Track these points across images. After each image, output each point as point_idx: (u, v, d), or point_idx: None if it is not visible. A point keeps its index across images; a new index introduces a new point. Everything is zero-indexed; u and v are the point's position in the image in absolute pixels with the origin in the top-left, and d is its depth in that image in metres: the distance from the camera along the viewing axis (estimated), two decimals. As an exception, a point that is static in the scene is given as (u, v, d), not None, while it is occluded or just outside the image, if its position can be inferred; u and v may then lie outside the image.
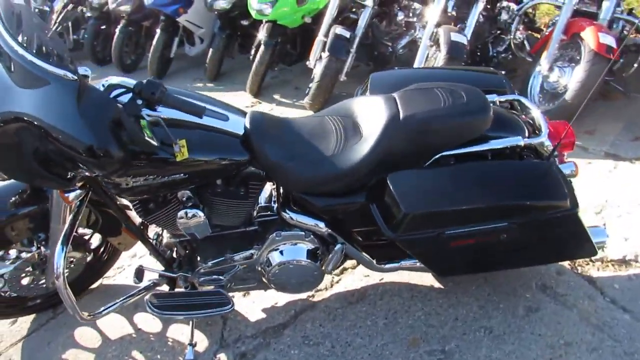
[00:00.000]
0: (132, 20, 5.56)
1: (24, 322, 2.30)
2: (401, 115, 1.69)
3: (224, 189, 1.84)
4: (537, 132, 1.83)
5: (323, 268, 1.92)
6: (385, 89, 2.00)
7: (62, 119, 1.35)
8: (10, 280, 2.02)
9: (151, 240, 2.05)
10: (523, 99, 1.97)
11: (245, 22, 4.93)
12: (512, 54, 3.86)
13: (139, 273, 1.94)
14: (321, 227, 1.83)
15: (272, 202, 1.99)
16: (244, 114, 1.84)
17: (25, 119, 1.35)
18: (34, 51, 1.38)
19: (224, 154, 1.70)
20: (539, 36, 3.82)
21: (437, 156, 1.73)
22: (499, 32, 3.91)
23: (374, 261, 1.96)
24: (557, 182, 1.64)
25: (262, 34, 4.38)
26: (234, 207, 1.87)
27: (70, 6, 1.58)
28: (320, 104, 4.02)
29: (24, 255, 2.04)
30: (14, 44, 1.36)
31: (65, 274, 2.15)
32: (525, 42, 3.65)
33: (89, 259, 2.28)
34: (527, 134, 1.80)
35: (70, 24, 6.50)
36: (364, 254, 1.94)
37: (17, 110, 1.36)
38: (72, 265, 2.20)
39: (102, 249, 2.34)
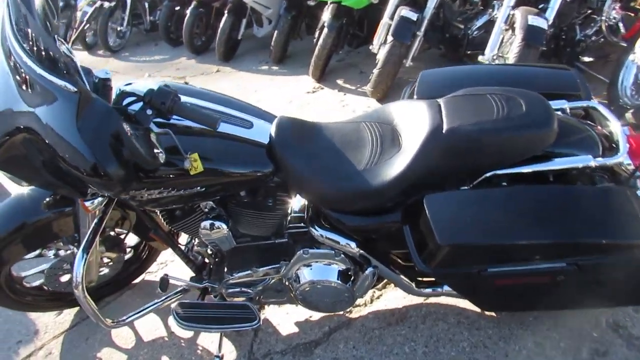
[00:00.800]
0: (203, 2, 5.56)
1: (68, 315, 2.35)
2: (444, 127, 1.45)
3: (250, 200, 1.71)
4: (614, 147, 1.52)
5: (354, 290, 1.75)
6: (435, 89, 1.76)
7: (60, 133, 1.26)
8: (49, 277, 2.05)
9: (181, 246, 1.98)
10: (600, 107, 1.65)
11: (311, 3, 4.73)
12: (603, 37, 3.37)
13: (164, 282, 1.88)
14: (352, 247, 1.66)
15: (305, 213, 1.84)
16: (272, 118, 1.68)
17: (28, 129, 1.29)
18: (37, 60, 1.30)
19: (245, 165, 1.57)
20: (640, 16, 3.30)
21: (486, 175, 1.49)
22: (589, 11, 3.43)
23: (413, 284, 1.76)
24: (633, 215, 1.34)
25: (326, 16, 4.17)
26: (261, 218, 1.74)
27: (98, 3, 1.51)
28: (383, 92, 3.77)
29: (61, 253, 2.05)
30: (20, 51, 1.30)
31: (100, 273, 2.17)
32: (620, 25, 3.16)
33: (127, 256, 2.27)
34: (600, 151, 1.50)
35: (147, 4, 6.67)
36: (401, 276, 1.74)
37: (21, 121, 1.30)
38: (111, 264, 2.20)
39: (141, 247, 2.32)
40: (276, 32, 4.87)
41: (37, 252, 2.02)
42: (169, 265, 2.53)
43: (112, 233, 2.10)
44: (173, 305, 1.88)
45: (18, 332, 2.29)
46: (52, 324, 2.31)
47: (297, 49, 5.38)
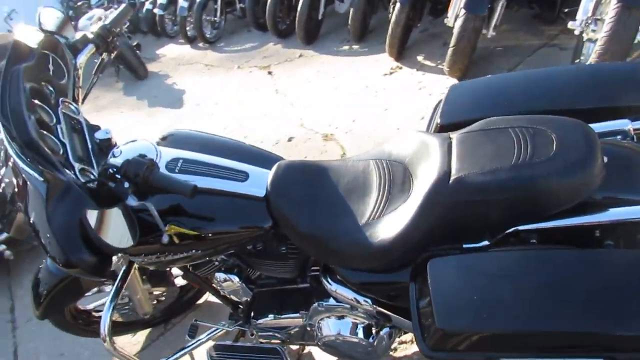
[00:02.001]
0: (281, -16, 5.44)
1: (141, 335, 2.49)
2: (452, 176, 1.19)
3: (262, 249, 1.61)
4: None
5: (376, 346, 1.57)
6: (462, 110, 1.49)
7: (37, 222, 1.26)
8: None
9: (215, 285, 1.95)
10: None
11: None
12: None
13: (193, 329, 1.87)
14: (368, 304, 1.47)
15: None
16: (272, 163, 1.53)
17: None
18: (12, 142, 1.29)
19: (240, 222, 1.46)
20: None
21: (512, 230, 1.19)
22: None
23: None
24: None
25: (398, -12, 3.79)
26: (277, 266, 1.63)
27: (104, 55, 1.41)
28: (461, 71, 3.36)
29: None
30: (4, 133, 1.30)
31: (160, 299, 2.23)
32: None
33: (182, 283, 2.32)
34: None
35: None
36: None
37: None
38: (165, 294, 2.26)
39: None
40: (352, 9, 4.57)
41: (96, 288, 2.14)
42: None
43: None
44: (208, 347, 1.87)
45: (101, 350, 2.49)
46: (128, 344, 2.47)
47: (381, 21, 5.02)
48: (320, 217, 1.41)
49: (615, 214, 1.12)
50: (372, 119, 3.49)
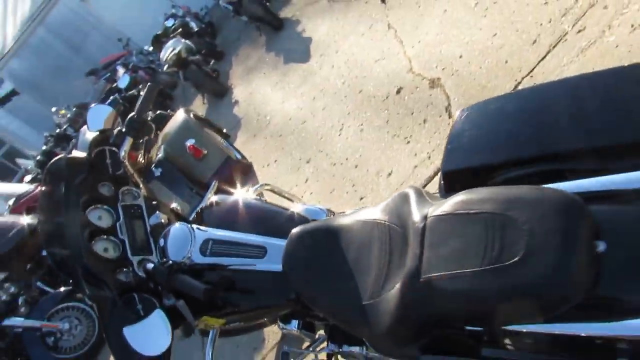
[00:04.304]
0: None
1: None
2: (422, 274, 1.07)
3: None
4: None
5: None
6: (468, 149, 1.28)
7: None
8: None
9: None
10: None
11: None
12: None
13: (285, 357, 2.02)
14: None
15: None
16: (298, 224, 1.54)
17: None
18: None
19: (266, 298, 1.54)
20: None
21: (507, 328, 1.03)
22: None
23: None
24: None
25: None
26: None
27: (145, 138, 1.38)
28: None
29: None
30: None
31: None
32: None
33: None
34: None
35: None
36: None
37: None
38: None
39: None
40: None
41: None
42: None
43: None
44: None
45: (255, 338, 2.91)
46: (272, 334, 2.83)
47: None
48: (332, 292, 1.39)
49: (614, 328, 0.86)
50: (479, 52, 3.04)
